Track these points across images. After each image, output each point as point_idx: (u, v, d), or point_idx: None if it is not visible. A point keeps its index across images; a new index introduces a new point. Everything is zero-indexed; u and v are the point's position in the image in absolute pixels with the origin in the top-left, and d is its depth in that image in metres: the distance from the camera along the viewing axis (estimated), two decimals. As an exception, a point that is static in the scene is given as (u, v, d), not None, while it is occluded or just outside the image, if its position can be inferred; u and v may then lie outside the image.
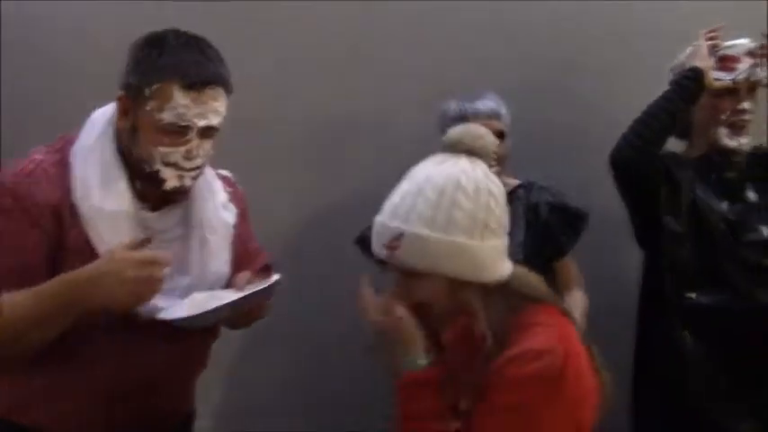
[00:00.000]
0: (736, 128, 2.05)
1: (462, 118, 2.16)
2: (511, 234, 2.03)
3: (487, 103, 2.22)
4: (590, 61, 2.63)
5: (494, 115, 2.21)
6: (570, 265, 2.34)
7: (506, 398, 1.30)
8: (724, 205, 2.09)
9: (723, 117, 2.07)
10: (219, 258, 1.66)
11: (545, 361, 1.29)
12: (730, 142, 2.07)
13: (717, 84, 2.05)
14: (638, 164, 2.05)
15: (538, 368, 1.29)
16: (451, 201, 1.35)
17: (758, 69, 2.02)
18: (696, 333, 2.05)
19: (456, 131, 1.43)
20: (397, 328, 1.38)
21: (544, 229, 2.25)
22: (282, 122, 2.53)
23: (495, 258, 1.39)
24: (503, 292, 1.40)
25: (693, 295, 2.04)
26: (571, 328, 1.40)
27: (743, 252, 2.04)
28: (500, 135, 2.14)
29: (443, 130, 1.71)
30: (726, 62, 2.04)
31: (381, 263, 1.42)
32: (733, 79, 2.03)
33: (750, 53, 2.03)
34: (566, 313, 1.43)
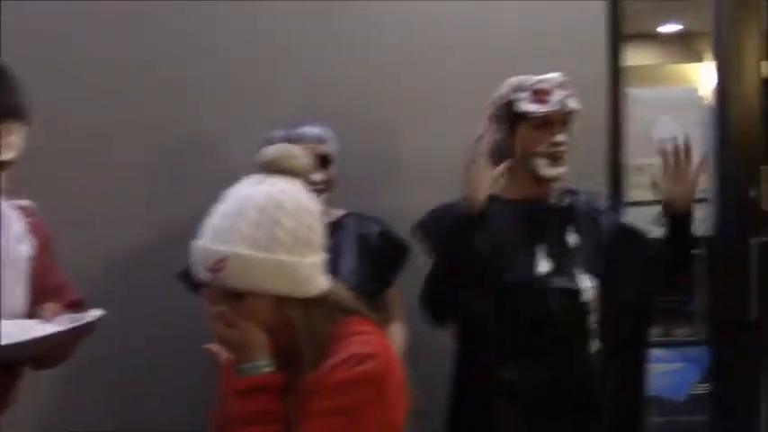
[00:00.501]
0: (554, 159, 2.07)
1: (287, 142, 2.20)
2: (340, 263, 2.18)
3: (313, 130, 2.24)
4: (408, 94, 2.69)
5: (319, 140, 2.23)
6: (394, 297, 2.36)
7: (332, 401, 1.35)
8: (541, 258, 2.09)
9: (540, 149, 2.07)
10: (13, 293, 1.63)
11: (369, 365, 1.36)
12: (549, 171, 2.08)
13: (532, 115, 2.06)
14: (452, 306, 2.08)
15: (362, 371, 1.36)
16: (273, 219, 1.37)
17: (569, 100, 2.05)
18: (507, 405, 2.07)
19: (271, 151, 1.46)
20: (242, 336, 1.39)
21: (372, 260, 2.28)
22: (114, 144, 2.60)
23: (315, 274, 1.43)
24: (321, 305, 1.43)
25: (503, 371, 2.06)
26: (387, 338, 1.49)
27: (554, 310, 2.05)
28: (326, 159, 2.22)
29: None
30: (539, 95, 2.06)
31: (200, 288, 1.43)
32: (547, 111, 2.04)
33: (561, 85, 2.06)
34: (379, 325, 1.49)
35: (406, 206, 2.56)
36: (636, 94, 2.87)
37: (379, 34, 2.69)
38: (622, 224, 2.27)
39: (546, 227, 2.13)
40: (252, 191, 1.41)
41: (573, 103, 2.07)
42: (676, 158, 2.07)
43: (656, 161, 2.79)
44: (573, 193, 2.21)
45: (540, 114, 2.05)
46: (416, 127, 2.70)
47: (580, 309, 2.07)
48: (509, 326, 2.04)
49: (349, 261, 2.25)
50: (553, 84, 2.06)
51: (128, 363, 2.60)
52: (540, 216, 2.13)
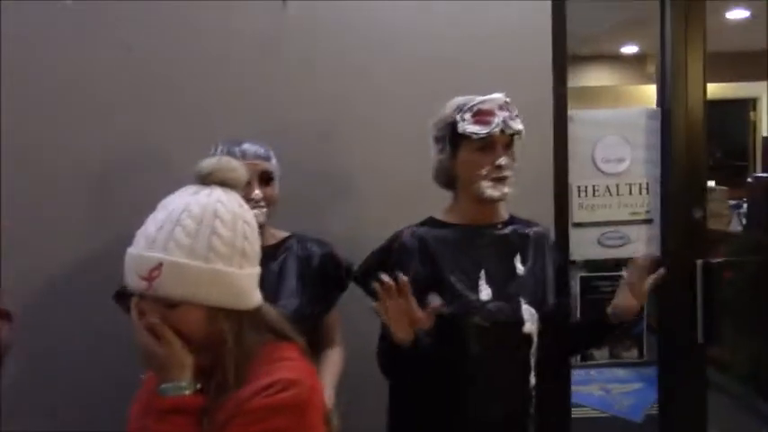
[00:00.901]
0: (497, 181, 2.01)
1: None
2: (282, 286, 2.18)
3: (254, 147, 2.18)
4: (355, 112, 2.70)
5: (260, 157, 2.17)
6: (334, 321, 2.33)
7: (253, 427, 1.33)
8: (483, 284, 2.05)
9: (484, 172, 2.01)
10: None
11: (293, 391, 1.36)
12: (492, 193, 2.02)
13: (474, 137, 2.01)
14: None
15: (287, 397, 1.35)
16: (210, 229, 1.37)
17: (512, 122, 2.01)
18: None
19: (209, 163, 1.46)
20: (167, 353, 1.36)
21: (314, 282, 2.23)
22: (55, 162, 2.58)
23: (251, 286, 1.44)
24: (254, 320, 1.44)
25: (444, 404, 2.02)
26: (312, 367, 1.49)
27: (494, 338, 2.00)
28: (268, 177, 2.17)
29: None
30: (480, 116, 1.99)
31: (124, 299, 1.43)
32: (488, 132, 1.98)
33: (503, 106, 2.02)
34: (305, 352, 1.50)
35: (352, 227, 2.60)
36: (582, 115, 2.87)
37: (327, 50, 2.69)
38: (564, 271, 2.27)
39: (491, 252, 2.08)
40: (189, 199, 1.40)
41: (516, 125, 2.01)
42: (642, 274, 2.08)
43: (600, 181, 2.87)
44: (523, 222, 2.17)
45: (481, 136, 1.99)
46: (363, 144, 2.70)
47: (521, 339, 2.03)
48: (449, 355, 1.98)
49: (290, 284, 2.21)
50: (495, 104, 2.00)
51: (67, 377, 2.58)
52: (485, 240, 2.09)
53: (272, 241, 2.26)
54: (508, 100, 2.04)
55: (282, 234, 2.31)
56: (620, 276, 2.84)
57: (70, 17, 2.56)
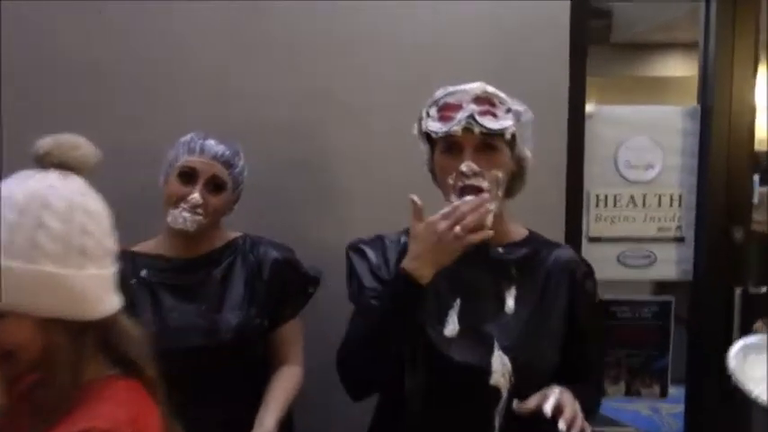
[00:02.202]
0: (464, 192, 1.57)
1: (189, 150, 1.90)
2: (226, 293, 1.92)
3: (219, 146, 1.91)
4: (340, 108, 2.36)
5: (220, 159, 1.90)
6: (290, 335, 2.01)
7: None
8: (452, 315, 1.65)
9: (449, 180, 1.60)
10: None
11: None
12: None
13: (433, 136, 1.63)
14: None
15: None
16: (36, 221, 1.13)
17: (483, 118, 1.57)
18: None
19: (45, 142, 1.22)
20: None
21: (269, 289, 1.96)
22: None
23: (97, 291, 1.20)
24: (97, 340, 1.21)
25: None
26: (151, 409, 1.24)
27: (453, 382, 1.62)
28: (218, 184, 1.90)
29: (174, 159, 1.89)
30: (445, 111, 1.60)
31: None
32: (446, 131, 1.58)
33: (477, 99, 1.59)
34: (153, 386, 1.26)
35: (328, 235, 2.30)
36: (604, 111, 2.46)
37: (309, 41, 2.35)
38: (592, 320, 1.75)
39: (479, 277, 1.67)
40: (14, 188, 1.16)
41: (491, 122, 1.58)
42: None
43: (623, 190, 2.45)
44: (544, 244, 1.74)
45: (440, 135, 1.61)
46: (346, 145, 2.36)
47: (486, 393, 1.62)
48: (415, 393, 1.63)
49: (236, 293, 1.94)
50: (466, 97, 1.59)
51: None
52: (475, 262, 1.65)
53: (217, 244, 1.98)
54: (490, 90, 1.61)
55: (231, 235, 2.01)
56: (642, 303, 2.50)
57: None
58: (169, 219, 1.87)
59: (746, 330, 2.43)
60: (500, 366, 1.60)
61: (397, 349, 1.58)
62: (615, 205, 2.47)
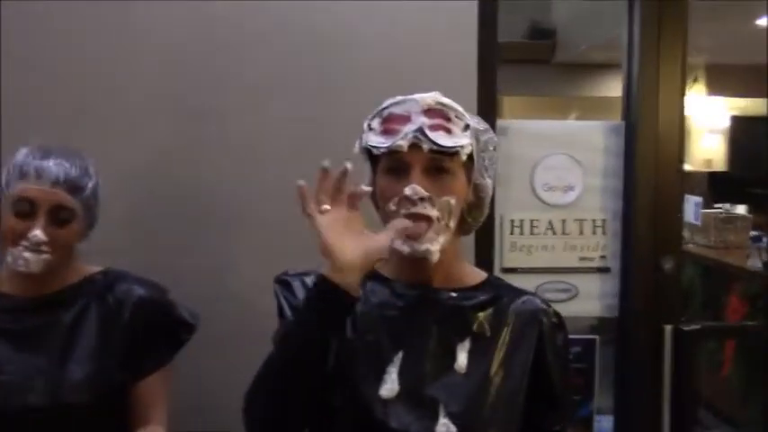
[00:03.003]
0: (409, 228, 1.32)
1: (22, 175, 1.55)
2: (76, 341, 1.61)
3: (61, 164, 1.56)
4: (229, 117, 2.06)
5: (63, 183, 1.56)
6: (153, 391, 1.68)
7: None
8: (391, 372, 1.36)
9: (391, 206, 1.32)
10: None
11: None
12: (401, 246, 1.31)
13: (374, 152, 1.34)
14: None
15: None
16: None
17: (435, 133, 1.30)
18: None
19: None
20: None
21: (131, 335, 1.65)
22: None
23: None
24: None
25: None
26: None
27: None
28: (64, 215, 1.56)
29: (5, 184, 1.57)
30: (389, 123, 1.34)
31: None
32: (389, 147, 1.31)
33: (429, 111, 1.32)
34: None
35: (206, 268, 2.02)
36: (518, 126, 2.20)
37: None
38: (563, 380, 1.45)
39: (426, 329, 1.37)
40: None
41: (444, 139, 1.30)
42: None
43: (540, 215, 2.19)
44: (506, 290, 1.44)
45: (381, 151, 1.31)
46: (238, 163, 2.05)
47: None
48: None
49: (86, 341, 1.61)
50: (416, 107, 1.31)
51: None
52: (423, 310, 1.38)
53: (69, 281, 1.64)
54: (446, 101, 1.33)
55: (89, 270, 1.68)
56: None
57: None
58: (9, 259, 1.54)
59: (680, 372, 2.17)
60: None
61: (315, 381, 1.28)
62: (532, 232, 2.20)
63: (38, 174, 1.53)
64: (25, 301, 1.60)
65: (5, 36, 1.99)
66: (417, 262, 1.33)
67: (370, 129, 1.34)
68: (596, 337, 2.24)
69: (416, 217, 1.29)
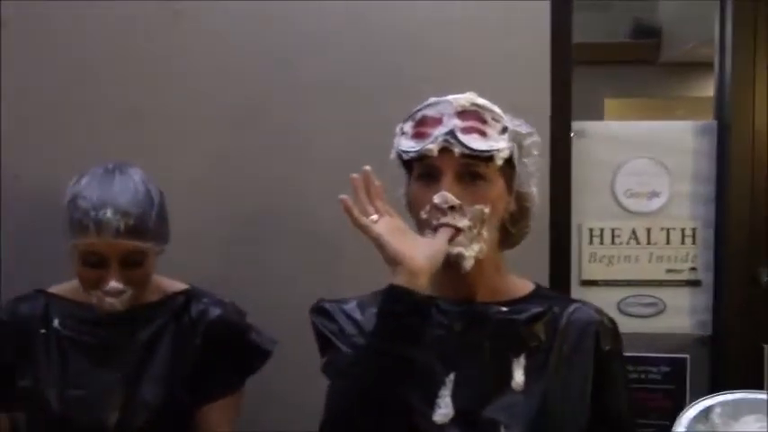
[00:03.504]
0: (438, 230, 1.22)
1: (83, 229, 1.46)
2: (150, 363, 1.56)
3: (119, 211, 1.45)
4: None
5: (126, 232, 1.45)
6: (224, 414, 1.62)
7: None
8: (445, 396, 1.25)
9: (423, 215, 1.22)
10: None
11: None
12: None
13: (404, 157, 1.25)
14: None
15: None
16: None
17: (467, 136, 1.20)
18: None
19: None
20: None
21: (202, 357, 1.59)
22: None
23: None
24: None
25: None
26: None
27: None
28: (136, 259, 1.49)
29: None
30: (420, 126, 1.23)
31: None
32: (419, 151, 1.21)
33: (463, 113, 1.21)
34: None
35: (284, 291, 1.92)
36: (598, 128, 2.04)
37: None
38: (620, 390, 1.34)
39: (477, 346, 1.28)
40: None
41: (478, 142, 1.21)
42: None
43: (623, 224, 2.03)
44: (555, 300, 1.35)
45: (411, 156, 1.24)
46: (309, 178, 1.98)
47: None
48: None
49: (160, 362, 1.57)
50: (449, 109, 1.23)
51: None
52: (471, 328, 1.28)
53: (151, 298, 1.60)
54: (481, 102, 1.24)
55: (173, 287, 1.63)
56: (649, 361, 2.05)
57: None
58: (94, 300, 1.50)
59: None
60: None
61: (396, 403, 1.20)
62: (613, 242, 2.04)
63: (98, 228, 1.44)
64: (103, 315, 1.54)
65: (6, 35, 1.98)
66: (456, 274, 1.23)
67: (403, 133, 1.26)
68: (687, 356, 2.05)
69: (447, 223, 1.19)
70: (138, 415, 1.53)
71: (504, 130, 1.24)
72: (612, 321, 1.34)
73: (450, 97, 1.23)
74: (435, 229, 1.20)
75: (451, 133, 1.20)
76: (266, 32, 1.97)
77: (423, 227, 1.23)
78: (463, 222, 1.20)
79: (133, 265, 1.49)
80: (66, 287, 1.62)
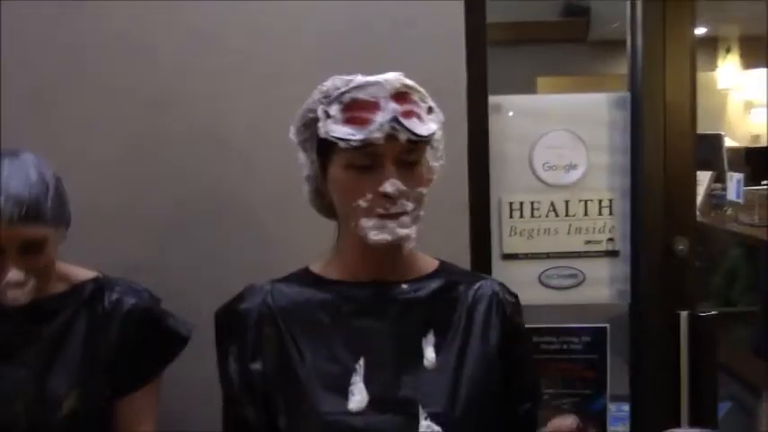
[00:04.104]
0: (386, 217, 1.21)
1: None
2: (58, 360, 1.50)
3: (9, 201, 1.37)
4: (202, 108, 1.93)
5: (23, 220, 1.38)
6: (143, 404, 1.59)
7: None
8: (356, 382, 1.25)
9: (363, 203, 1.21)
10: None
11: None
12: (381, 236, 1.21)
13: (342, 145, 1.21)
14: None
15: None
16: None
17: (409, 121, 1.19)
18: None
19: None
20: None
21: (119, 347, 1.54)
22: None
23: None
24: None
25: None
26: None
27: None
28: (36, 243, 1.42)
29: None
30: (355, 110, 1.20)
31: None
32: (363, 139, 1.18)
33: (397, 96, 1.20)
34: None
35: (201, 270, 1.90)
36: (515, 102, 2.05)
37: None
38: (526, 360, 1.41)
39: (384, 327, 1.28)
40: None
41: (420, 127, 1.21)
42: None
43: (542, 197, 2.05)
44: (459, 275, 1.37)
45: (353, 145, 1.19)
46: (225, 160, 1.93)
47: None
48: None
49: (71, 357, 1.52)
50: (383, 92, 1.20)
51: None
52: (377, 307, 1.28)
53: (56, 289, 1.54)
54: (410, 83, 1.23)
55: (80, 276, 1.58)
56: (571, 332, 2.07)
57: None
58: None
59: (696, 362, 2.01)
60: None
61: None
62: (533, 215, 2.05)
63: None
64: (7, 310, 1.48)
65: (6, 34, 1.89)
66: (382, 255, 1.25)
67: (329, 116, 1.21)
68: (607, 325, 2.08)
69: (395, 215, 1.20)
70: (49, 412, 1.47)
71: (431, 110, 1.25)
72: (515, 296, 1.38)
73: (379, 78, 1.21)
74: (380, 216, 1.20)
75: (395, 120, 1.18)
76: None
77: (361, 215, 1.21)
78: (408, 206, 1.21)
79: (32, 252, 1.42)
80: None
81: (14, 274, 1.40)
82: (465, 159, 1.92)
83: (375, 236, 1.21)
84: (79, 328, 1.53)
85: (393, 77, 1.21)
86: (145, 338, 1.57)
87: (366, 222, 1.21)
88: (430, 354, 1.26)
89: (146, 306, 1.58)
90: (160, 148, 1.91)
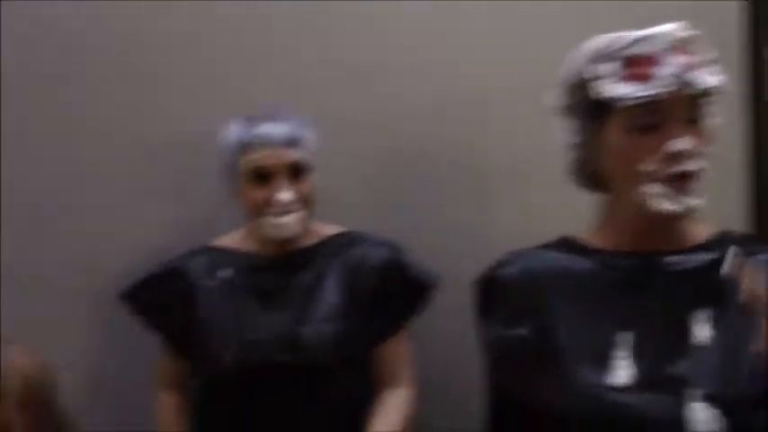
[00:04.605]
0: (675, 183, 1.10)
1: (246, 145, 1.59)
2: (317, 302, 1.63)
3: (278, 128, 1.59)
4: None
5: (288, 143, 1.58)
6: (399, 352, 1.69)
7: None
8: (622, 357, 1.14)
9: (648, 167, 1.11)
10: None
11: None
12: (669, 206, 1.11)
13: (626, 104, 1.11)
14: None
15: None
16: None
17: (694, 74, 1.10)
18: None
19: None
20: None
21: (373, 297, 1.65)
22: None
23: None
24: None
25: None
26: None
27: None
28: (297, 170, 1.60)
29: (225, 163, 1.63)
30: (635, 67, 1.12)
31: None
32: (650, 95, 1.10)
33: (678, 47, 1.11)
34: None
35: (427, 228, 1.90)
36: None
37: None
38: None
39: (650, 301, 1.17)
40: None
41: (704, 78, 1.12)
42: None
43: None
44: (741, 242, 1.23)
45: (638, 101, 1.11)
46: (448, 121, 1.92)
47: None
48: None
49: (329, 301, 1.62)
50: (663, 44, 1.11)
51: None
52: (644, 280, 1.19)
53: (308, 242, 1.66)
54: (690, 33, 1.15)
55: (328, 231, 1.70)
56: None
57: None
58: (264, 231, 1.59)
59: None
60: (705, 423, 1.08)
61: None
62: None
63: (262, 141, 1.57)
64: (266, 260, 1.64)
65: (6, 34, 1.92)
66: (660, 225, 1.16)
67: (603, 76, 1.13)
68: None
69: (684, 176, 1.10)
70: (310, 355, 1.57)
71: (712, 60, 1.14)
72: None
73: (655, 30, 1.12)
74: (670, 179, 1.10)
75: (681, 73, 1.10)
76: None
77: (644, 180, 1.12)
78: (697, 165, 1.11)
79: (299, 177, 1.58)
80: (226, 240, 1.70)
81: (285, 194, 1.54)
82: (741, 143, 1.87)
83: (661, 205, 1.12)
84: (332, 279, 1.63)
85: (671, 28, 1.13)
86: (394, 287, 1.65)
87: (650, 189, 1.12)
88: (701, 331, 1.14)
89: (393, 257, 1.66)
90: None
